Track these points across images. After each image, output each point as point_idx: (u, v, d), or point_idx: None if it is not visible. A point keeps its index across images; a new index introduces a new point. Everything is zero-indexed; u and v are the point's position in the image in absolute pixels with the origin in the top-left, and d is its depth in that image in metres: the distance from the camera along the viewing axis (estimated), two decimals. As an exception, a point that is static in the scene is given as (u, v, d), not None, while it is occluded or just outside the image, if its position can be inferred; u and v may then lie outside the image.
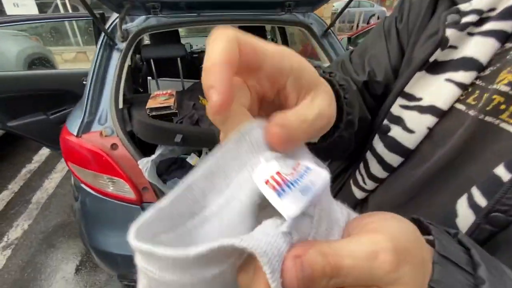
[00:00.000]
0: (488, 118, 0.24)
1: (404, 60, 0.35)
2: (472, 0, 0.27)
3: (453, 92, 0.27)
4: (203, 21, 1.30)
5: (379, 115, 0.35)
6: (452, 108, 0.28)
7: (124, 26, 1.21)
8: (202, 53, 2.95)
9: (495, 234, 0.22)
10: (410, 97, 0.31)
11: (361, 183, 0.37)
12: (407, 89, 0.31)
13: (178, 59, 1.55)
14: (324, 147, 0.31)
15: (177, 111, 1.17)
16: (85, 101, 1.08)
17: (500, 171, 0.22)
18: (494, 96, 0.24)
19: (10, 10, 6.33)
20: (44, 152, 2.95)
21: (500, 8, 0.26)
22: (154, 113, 1.12)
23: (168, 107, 1.14)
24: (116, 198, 1.01)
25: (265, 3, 1.34)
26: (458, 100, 0.27)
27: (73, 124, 1.05)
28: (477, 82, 0.26)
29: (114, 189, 1.01)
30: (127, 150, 1.02)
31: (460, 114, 0.27)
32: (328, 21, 1.47)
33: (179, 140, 1.01)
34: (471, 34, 0.27)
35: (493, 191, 0.22)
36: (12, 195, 2.26)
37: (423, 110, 0.29)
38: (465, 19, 0.27)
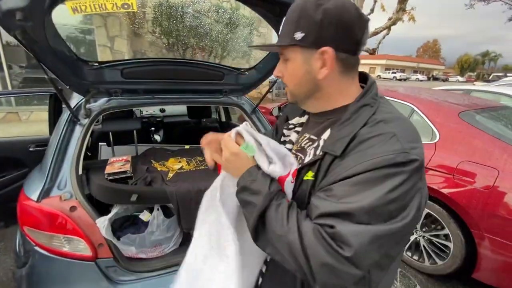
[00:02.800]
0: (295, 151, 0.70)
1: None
2: (296, 119, 0.75)
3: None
4: (158, 102, 1.64)
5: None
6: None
7: (87, 106, 1.45)
8: (151, 117, 3.23)
9: None
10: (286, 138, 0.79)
11: None
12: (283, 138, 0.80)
13: (134, 130, 1.81)
14: None
15: (132, 174, 1.38)
16: (47, 170, 1.22)
17: None
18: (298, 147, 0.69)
19: None
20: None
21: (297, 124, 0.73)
22: (112, 178, 1.31)
23: (124, 172, 1.35)
24: (71, 256, 1.11)
25: (208, 90, 1.77)
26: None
27: (33, 190, 1.17)
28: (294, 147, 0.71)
29: (69, 248, 1.12)
30: (85, 211, 1.17)
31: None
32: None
33: (134, 199, 1.22)
34: (291, 130, 0.74)
35: None
36: None
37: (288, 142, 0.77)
38: (291, 125, 0.75)
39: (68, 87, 1.34)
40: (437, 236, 2.10)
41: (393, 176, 0.48)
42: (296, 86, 0.63)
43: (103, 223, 1.15)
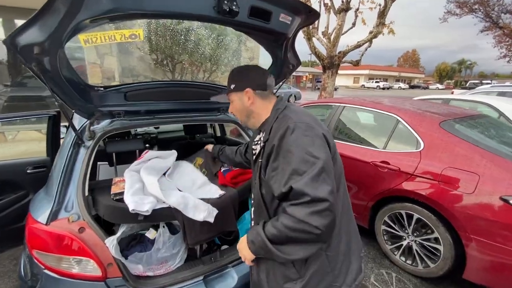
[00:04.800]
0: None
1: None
2: (257, 136, 1.06)
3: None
4: (159, 122, 1.69)
5: None
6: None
7: (91, 128, 1.49)
8: (145, 134, 3.26)
9: None
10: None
11: None
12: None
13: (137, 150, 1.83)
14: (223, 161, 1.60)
15: (137, 193, 1.42)
16: (54, 192, 1.25)
17: None
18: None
19: None
20: None
21: (258, 140, 1.04)
22: (118, 197, 1.34)
23: (130, 191, 1.39)
24: (81, 277, 1.13)
25: (206, 109, 1.85)
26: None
27: (40, 214, 1.20)
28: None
29: (79, 269, 1.14)
30: (93, 232, 1.20)
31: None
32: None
33: (142, 218, 1.26)
34: (256, 144, 1.01)
35: None
36: None
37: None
38: (256, 140, 1.05)
39: (73, 110, 1.39)
40: (428, 240, 2.21)
41: (296, 135, 0.81)
42: (241, 115, 1.07)
43: (112, 243, 1.18)
